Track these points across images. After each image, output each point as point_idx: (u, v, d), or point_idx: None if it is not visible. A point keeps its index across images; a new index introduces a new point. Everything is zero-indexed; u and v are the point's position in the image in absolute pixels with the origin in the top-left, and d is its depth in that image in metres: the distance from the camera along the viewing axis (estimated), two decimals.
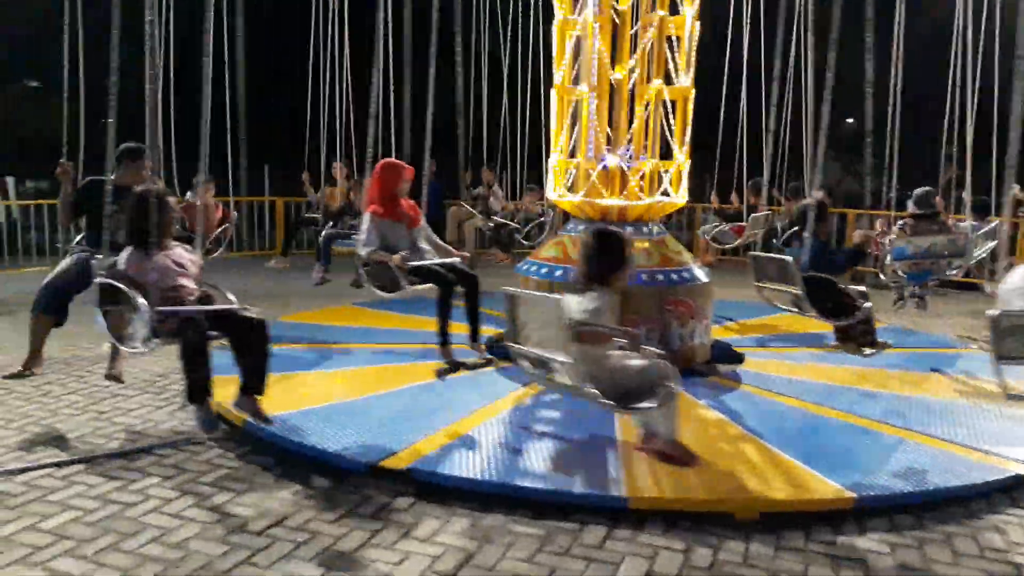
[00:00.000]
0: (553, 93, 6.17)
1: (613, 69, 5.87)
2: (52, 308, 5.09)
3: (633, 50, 5.92)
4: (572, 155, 6.19)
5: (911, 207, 6.94)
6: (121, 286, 4.12)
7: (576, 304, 3.92)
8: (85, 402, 5.14)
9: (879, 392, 5.31)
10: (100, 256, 4.92)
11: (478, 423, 4.48)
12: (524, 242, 10.57)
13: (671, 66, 5.96)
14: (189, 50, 5.89)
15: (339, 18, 8.59)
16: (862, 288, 5.53)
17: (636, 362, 3.94)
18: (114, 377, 5.04)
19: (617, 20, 5.89)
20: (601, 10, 5.79)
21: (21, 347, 6.55)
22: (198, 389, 4.08)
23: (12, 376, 5.17)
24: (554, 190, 6.24)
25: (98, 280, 4.25)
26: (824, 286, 5.35)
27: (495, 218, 11.26)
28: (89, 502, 3.66)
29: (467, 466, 3.87)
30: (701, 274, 5.93)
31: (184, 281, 4.44)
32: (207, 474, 4.01)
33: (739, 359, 6.07)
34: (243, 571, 3.08)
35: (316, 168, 9.97)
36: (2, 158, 19.48)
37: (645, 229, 6.00)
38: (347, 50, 8.78)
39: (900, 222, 7.08)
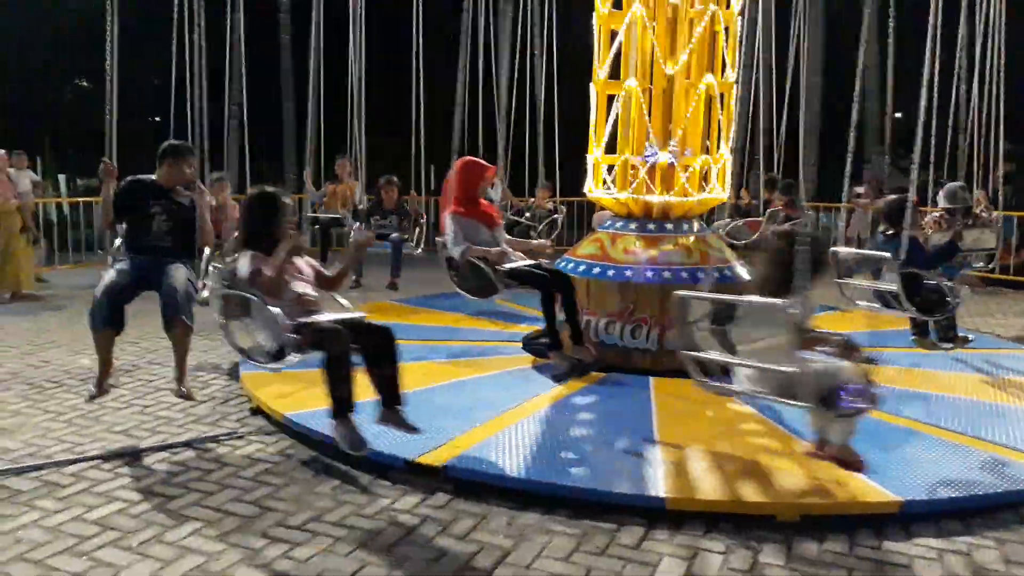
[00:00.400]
0: (592, 88, 6.11)
1: (666, 64, 5.77)
2: (107, 321, 4.67)
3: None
4: (608, 151, 6.13)
5: (941, 202, 6.99)
6: (252, 296, 3.87)
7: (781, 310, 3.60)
8: (130, 396, 5.25)
9: (928, 393, 5.17)
10: (218, 265, 4.84)
11: (515, 420, 4.47)
12: (539, 239, 10.46)
13: (713, 60, 5.87)
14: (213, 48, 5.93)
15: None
16: (949, 283, 5.46)
17: (834, 364, 3.68)
18: (185, 395, 4.83)
19: (669, 14, 5.81)
20: (656, 3, 5.72)
21: (73, 339, 6.73)
22: (344, 405, 3.82)
23: (93, 398, 4.77)
24: (594, 186, 6.18)
25: (221, 291, 4.03)
26: (916, 282, 5.29)
27: (508, 215, 11.12)
28: (133, 494, 3.73)
29: (504, 464, 3.86)
30: (743, 272, 5.84)
31: (307, 288, 4.15)
32: (247, 468, 4.06)
33: None
34: (282, 564, 3.10)
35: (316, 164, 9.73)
36: (55, 156, 20.02)
37: (686, 226, 5.92)
38: (350, 44, 8.71)
39: (933, 215, 7.09)
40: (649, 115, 5.87)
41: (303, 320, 3.91)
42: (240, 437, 4.49)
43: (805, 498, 3.58)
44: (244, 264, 4.00)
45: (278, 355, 3.90)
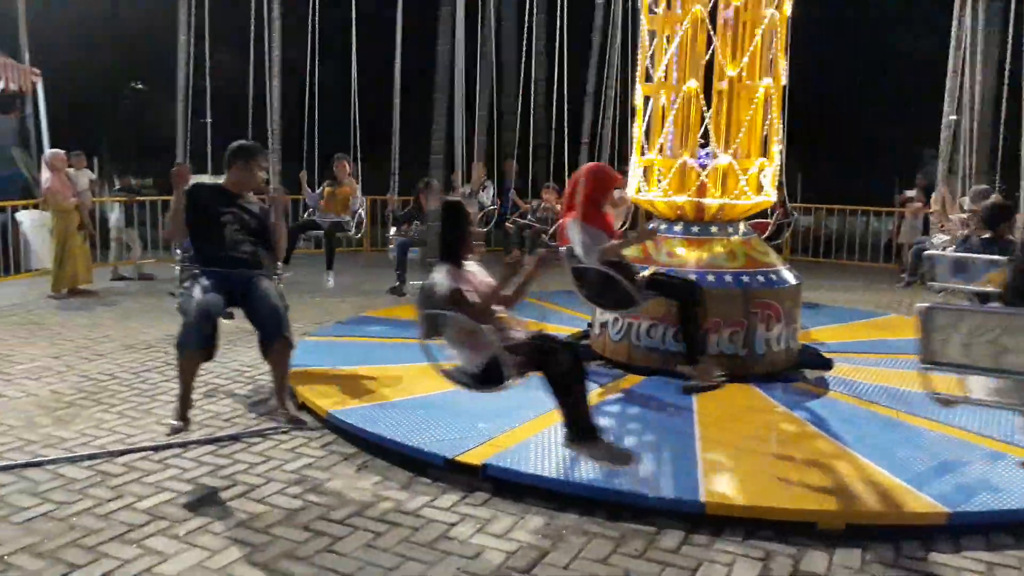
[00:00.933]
0: (640, 91, 6.08)
1: (727, 66, 5.72)
2: (205, 342, 4.10)
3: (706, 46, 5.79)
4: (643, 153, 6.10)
5: (968, 203, 7.20)
6: (462, 317, 3.56)
7: None
8: None
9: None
10: (419, 283, 4.31)
11: (555, 421, 4.45)
12: (551, 243, 10.23)
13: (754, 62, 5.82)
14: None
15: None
16: None
17: None
18: (295, 419, 4.45)
19: (730, 18, 5.76)
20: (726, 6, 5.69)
21: (126, 334, 6.92)
22: (587, 425, 3.53)
23: (177, 431, 4.18)
24: (639, 190, 6.16)
25: (424, 311, 3.70)
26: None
27: (516, 218, 10.85)
28: (182, 485, 3.82)
29: (543, 464, 3.87)
30: (789, 276, 5.77)
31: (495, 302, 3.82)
32: (291, 463, 4.13)
33: (827, 365, 5.87)
34: (324, 558, 3.16)
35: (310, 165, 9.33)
36: (113, 157, 20.58)
37: (731, 229, 5.87)
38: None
39: (960, 216, 7.25)
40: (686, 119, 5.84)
41: (518, 340, 3.60)
42: (285, 432, 4.57)
43: (850, 506, 3.52)
44: (442, 279, 3.68)
45: (487, 379, 3.59)
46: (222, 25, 7.47)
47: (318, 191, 8.95)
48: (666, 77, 5.91)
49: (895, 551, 3.30)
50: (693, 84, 5.71)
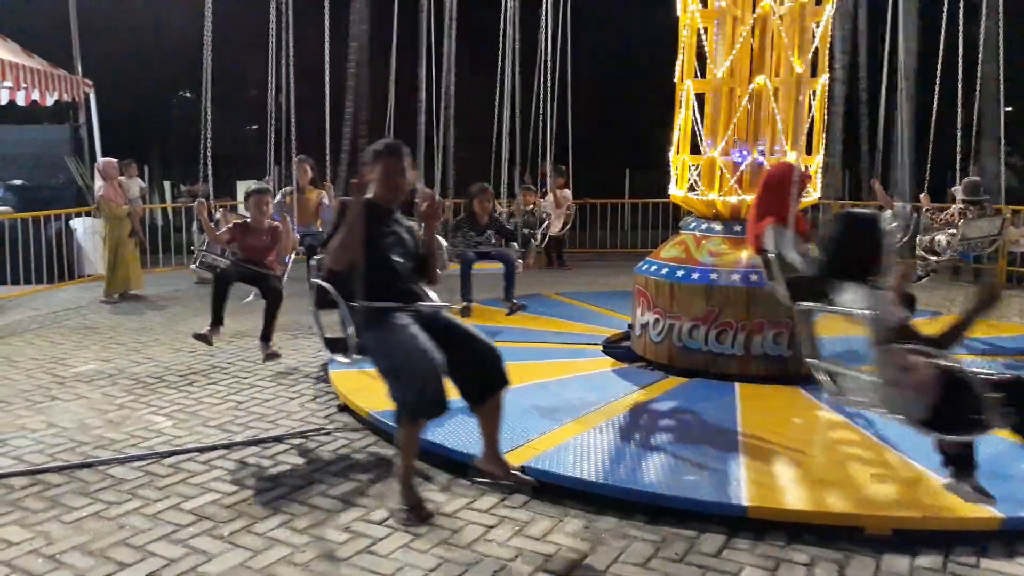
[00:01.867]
0: (688, 87, 6.00)
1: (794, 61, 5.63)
2: (437, 407, 3.37)
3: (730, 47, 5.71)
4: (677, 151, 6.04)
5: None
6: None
7: None
8: (225, 392, 5.48)
9: None
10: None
11: (595, 423, 4.45)
12: (538, 249, 9.79)
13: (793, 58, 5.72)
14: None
15: None
16: None
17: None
18: (522, 479, 3.58)
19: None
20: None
21: (174, 338, 7.07)
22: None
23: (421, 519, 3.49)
24: (688, 188, 6.08)
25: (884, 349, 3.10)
26: None
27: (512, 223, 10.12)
28: (226, 486, 3.89)
29: (582, 466, 3.84)
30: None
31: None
32: (333, 464, 4.18)
33: None
34: (363, 559, 3.18)
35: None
36: (164, 164, 21.09)
37: None
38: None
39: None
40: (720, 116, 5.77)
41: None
42: (327, 433, 4.63)
43: (897, 511, 3.43)
44: (883, 306, 3.21)
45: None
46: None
47: (277, 198, 7.46)
48: (730, 74, 5.80)
49: (944, 557, 3.20)
50: (762, 79, 5.64)
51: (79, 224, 10.58)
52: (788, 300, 4.22)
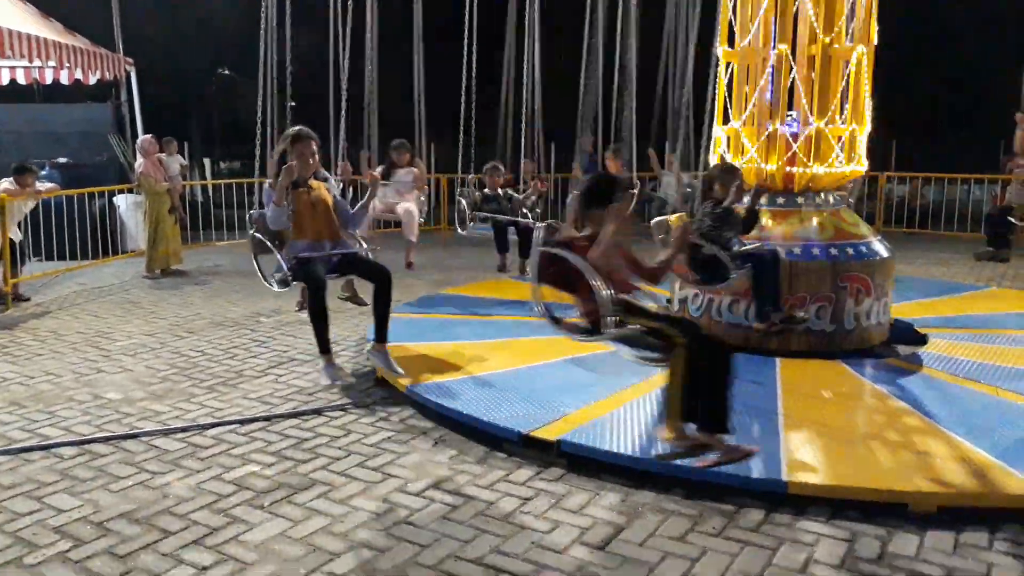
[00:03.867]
0: (721, 56, 5.87)
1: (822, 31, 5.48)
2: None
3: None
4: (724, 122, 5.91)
5: None
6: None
7: None
8: (265, 365, 5.55)
9: None
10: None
11: (632, 398, 4.41)
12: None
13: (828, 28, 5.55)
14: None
15: None
16: None
17: None
18: None
19: None
20: None
21: (215, 312, 7.18)
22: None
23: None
24: (721, 159, 5.97)
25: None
26: None
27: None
28: (267, 457, 3.95)
29: (619, 441, 3.82)
30: (881, 248, 5.52)
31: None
32: (370, 436, 4.21)
33: (922, 340, 5.61)
34: (402, 529, 3.21)
35: None
36: (205, 140, 21.33)
37: (819, 200, 5.65)
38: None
39: None
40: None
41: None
42: (365, 407, 4.66)
43: (943, 487, 3.36)
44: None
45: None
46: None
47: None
48: (762, 42, 5.66)
49: (991, 535, 3.13)
50: (783, 47, 5.49)
51: (121, 201, 10.75)
52: None
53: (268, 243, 5.18)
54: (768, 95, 5.63)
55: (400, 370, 4.86)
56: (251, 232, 5.28)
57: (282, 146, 5.12)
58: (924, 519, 3.23)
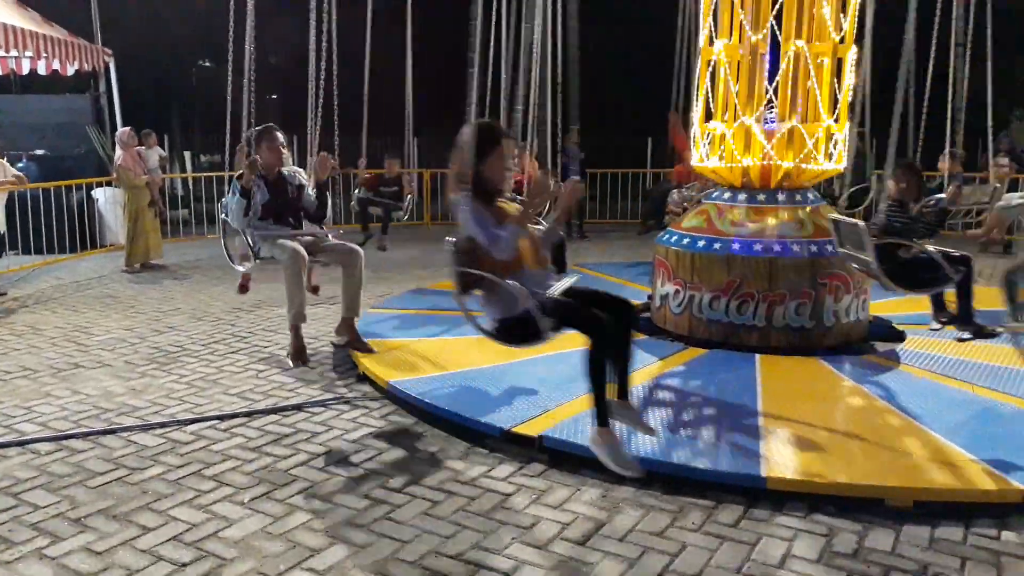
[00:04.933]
0: (701, 55, 5.92)
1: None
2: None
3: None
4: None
5: None
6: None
7: None
8: (246, 361, 5.52)
9: None
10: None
11: (614, 394, 4.42)
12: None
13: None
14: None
15: None
16: None
17: None
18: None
19: None
20: None
21: (195, 307, 7.13)
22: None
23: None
24: (701, 158, 6.01)
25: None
26: None
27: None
28: (247, 453, 3.93)
29: None
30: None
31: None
32: (351, 432, 4.20)
33: (900, 337, 5.67)
34: (382, 525, 3.20)
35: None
36: (185, 133, 21.12)
37: (799, 197, 5.69)
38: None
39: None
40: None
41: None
42: (347, 402, 4.65)
43: (918, 483, 3.40)
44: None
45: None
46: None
47: None
48: (730, 39, 5.73)
49: (965, 529, 3.17)
50: (760, 36, 5.51)
51: (100, 194, 10.65)
52: None
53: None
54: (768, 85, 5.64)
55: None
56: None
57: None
58: (900, 514, 3.27)
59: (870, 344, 5.62)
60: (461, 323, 6.10)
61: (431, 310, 6.58)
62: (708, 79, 5.92)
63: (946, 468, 3.51)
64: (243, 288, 6.42)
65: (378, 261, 8.85)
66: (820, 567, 2.91)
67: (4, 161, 8.18)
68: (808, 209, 5.65)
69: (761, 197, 5.69)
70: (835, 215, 5.25)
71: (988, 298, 5.55)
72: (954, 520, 3.23)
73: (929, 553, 3.01)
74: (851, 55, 5.61)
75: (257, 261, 5.38)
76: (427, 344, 5.47)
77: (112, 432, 4.18)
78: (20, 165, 9.61)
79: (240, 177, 5.24)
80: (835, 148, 5.72)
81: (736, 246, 5.48)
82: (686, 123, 7.00)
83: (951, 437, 3.82)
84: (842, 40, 5.60)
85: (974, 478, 3.43)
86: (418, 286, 7.90)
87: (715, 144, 5.90)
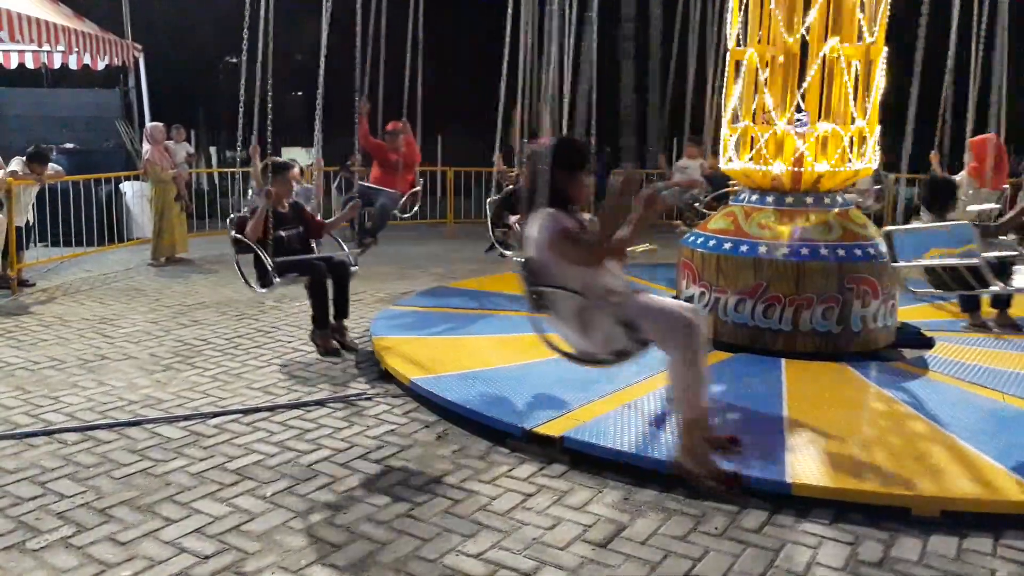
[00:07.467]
0: (730, 56, 5.86)
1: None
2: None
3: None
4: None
5: None
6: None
7: None
8: (270, 356, 5.55)
9: None
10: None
11: (637, 396, 4.40)
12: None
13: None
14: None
15: None
16: None
17: None
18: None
19: None
20: None
21: (220, 302, 7.18)
22: None
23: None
24: (730, 159, 5.95)
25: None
26: None
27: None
28: (269, 447, 3.94)
29: (623, 438, 3.81)
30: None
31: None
32: (374, 428, 4.21)
33: (928, 344, 5.58)
34: (403, 522, 3.20)
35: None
36: (211, 128, 21.27)
37: (827, 200, 5.62)
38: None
39: None
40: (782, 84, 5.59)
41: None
42: (369, 399, 4.66)
43: (946, 492, 3.34)
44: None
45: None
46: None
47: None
48: (761, 40, 5.66)
49: (995, 541, 3.12)
50: (791, 40, 5.45)
51: (128, 188, 10.75)
52: None
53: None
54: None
55: None
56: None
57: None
58: (928, 524, 3.22)
59: (898, 350, 5.53)
60: (483, 321, 6.14)
61: (453, 308, 6.58)
62: (737, 81, 5.85)
63: (975, 478, 3.45)
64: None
65: (401, 259, 8.86)
66: (845, 575, 2.87)
67: (43, 167, 8.27)
68: (836, 212, 5.57)
69: (789, 200, 5.62)
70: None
71: None
72: (983, 531, 3.17)
73: (957, 564, 2.96)
74: (882, 57, 5.53)
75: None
76: (449, 342, 5.47)
77: (137, 424, 4.22)
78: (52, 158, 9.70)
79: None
80: (869, 150, 5.64)
81: (763, 249, 5.42)
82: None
83: (980, 446, 3.76)
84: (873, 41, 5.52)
85: (1004, 488, 3.36)
86: (439, 284, 7.91)
87: (744, 146, 5.84)
